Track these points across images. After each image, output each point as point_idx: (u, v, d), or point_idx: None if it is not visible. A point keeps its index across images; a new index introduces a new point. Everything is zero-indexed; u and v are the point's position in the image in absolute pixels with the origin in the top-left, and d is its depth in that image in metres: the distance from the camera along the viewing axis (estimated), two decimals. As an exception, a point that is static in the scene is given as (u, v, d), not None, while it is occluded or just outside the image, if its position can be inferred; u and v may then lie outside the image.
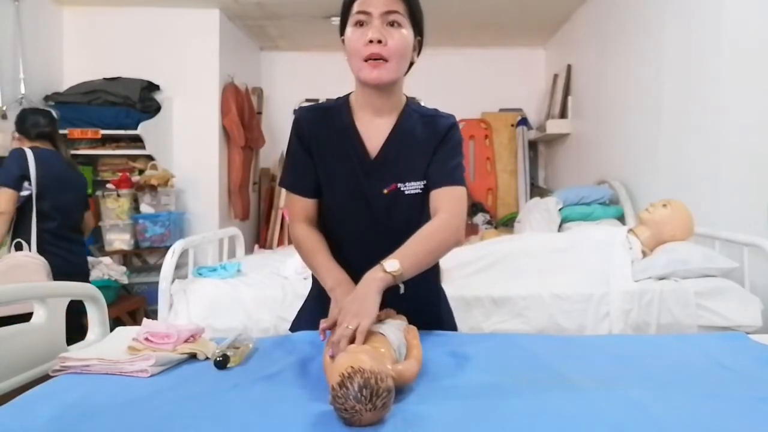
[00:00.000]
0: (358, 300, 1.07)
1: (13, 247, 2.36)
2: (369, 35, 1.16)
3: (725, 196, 2.45)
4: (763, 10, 2.35)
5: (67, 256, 2.55)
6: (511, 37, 5.08)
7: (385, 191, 1.26)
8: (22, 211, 2.43)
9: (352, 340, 0.99)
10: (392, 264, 1.12)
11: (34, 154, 2.47)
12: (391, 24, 1.17)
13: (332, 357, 0.97)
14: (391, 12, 1.17)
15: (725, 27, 2.44)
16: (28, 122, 2.60)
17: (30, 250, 2.38)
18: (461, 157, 1.30)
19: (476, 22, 4.63)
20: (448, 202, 1.24)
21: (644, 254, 2.30)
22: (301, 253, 1.32)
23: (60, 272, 2.36)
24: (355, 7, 1.18)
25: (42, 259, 2.34)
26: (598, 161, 3.95)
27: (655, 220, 2.32)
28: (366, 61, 1.18)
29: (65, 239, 2.57)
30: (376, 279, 1.10)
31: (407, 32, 1.20)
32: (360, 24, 1.18)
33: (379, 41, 1.16)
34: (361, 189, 1.27)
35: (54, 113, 2.84)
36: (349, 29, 1.20)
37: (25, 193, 2.41)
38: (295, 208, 1.32)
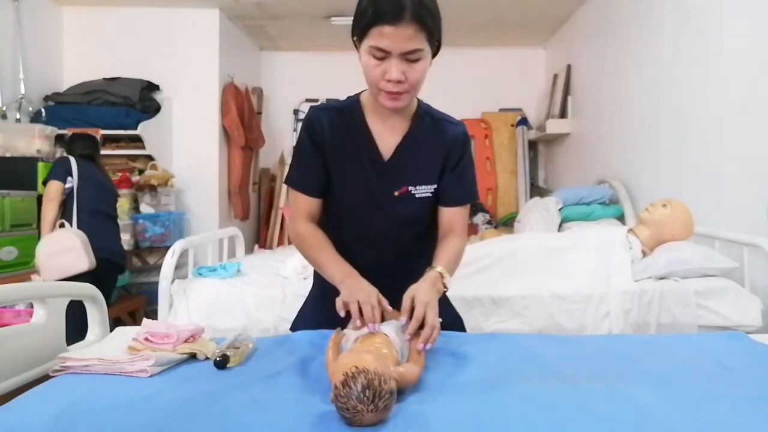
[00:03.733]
0: (432, 296, 1.14)
1: (57, 226, 2.91)
2: (388, 74, 1.12)
3: (725, 196, 2.45)
4: (762, 10, 2.35)
5: (99, 229, 3.02)
6: (511, 37, 5.08)
7: (396, 193, 1.27)
8: (66, 202, 2.97)
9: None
10: (449, 282, 1.23)
11: (75, 160, 3.01)
12: (411, 60, 1.13)
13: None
14: (411, 52, 1.11)
15: (725, 27, 2.44)
16: (76, 145, 3.12)
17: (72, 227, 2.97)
18: (473, 168, 1.36)
19: (476, 22, 4.63)
20: (461, 223, 1.33)
21: (644, 254, 2.30)
22: (304, 249, 1.31)
23: (94, 237, 2.90)
24: (373, 39, 1.11)
25: (79, 231, 2.87)
26: (598, 161, 3.95)
27: (655, 219, 2.32)
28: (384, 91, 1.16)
29: (98, 220, 3.04)
30: (440, 291, 1.20)
31: (426, 60, 1.15)
32: (378, 57, 1.13)
33: (399, 81, 1.13)
34: (372, 190, 1.27)
35: (98, 138, 3.34)
36: (365, 56, 1.14)
37: (68, 185, 2.93)
38: (298, 205, 1.31)
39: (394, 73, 1.11)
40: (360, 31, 1.14)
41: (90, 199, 2.98)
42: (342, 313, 1.11)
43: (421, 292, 1.13)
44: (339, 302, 1.12)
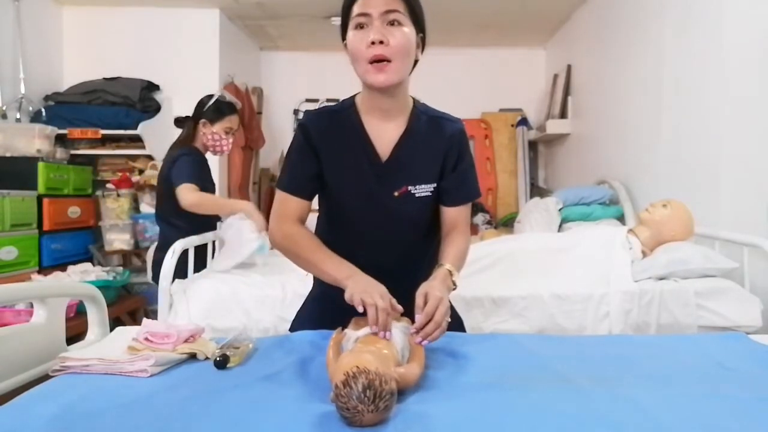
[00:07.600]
0: (444, 293, 1.14)
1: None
2: (370, 36, 1.15)
3: (725, 196, 2.45)
4: (763, 10, 2.35)
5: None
6: (511, 37, 5.08)
7: (396, 194, 1.27)
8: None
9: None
10: (458, 279, 1.23)
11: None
12: (392, 23, 1.17)
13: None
14: (390, 11, 1.16)
15: (725, 26, 2.44)
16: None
17: None
18: (474, 165, 1.39)
19: (476, 22, 4.63)
20: (465, 220, 1.35)
21: (644, 254, 2.29)
22: (294, 249, 1.27)
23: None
24: (355, 9, 1.18)
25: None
26: (598, 161, 3.95)
27: (655, 220, 2.32)
28: (370, 63, 1.17)
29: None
30: (450, 288, 1.20)
31: (409, 30, 1.19)
32: (361, 26, 1.18)
33: (381, 42, 1.15)
34: (371, 191, 1.27)
35: (230, 99, 2.89)
36: (350, 33, 1.20)
37: None
38: (288, 208, 1.29)
39: (374, 33, 1.15)
40: (345, 15, 1.21)
41: None
42: (360, 309, 1.06)
43: (434, 289, 1.13)
44: (357, 298, 1.06)
